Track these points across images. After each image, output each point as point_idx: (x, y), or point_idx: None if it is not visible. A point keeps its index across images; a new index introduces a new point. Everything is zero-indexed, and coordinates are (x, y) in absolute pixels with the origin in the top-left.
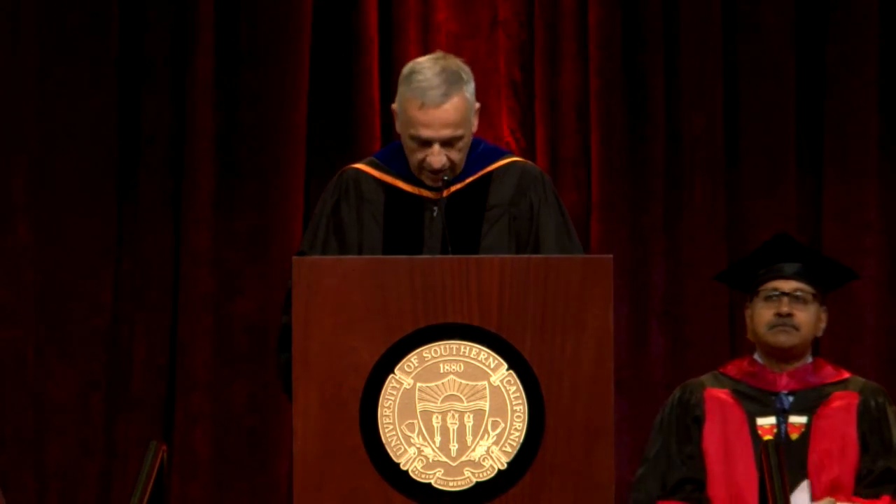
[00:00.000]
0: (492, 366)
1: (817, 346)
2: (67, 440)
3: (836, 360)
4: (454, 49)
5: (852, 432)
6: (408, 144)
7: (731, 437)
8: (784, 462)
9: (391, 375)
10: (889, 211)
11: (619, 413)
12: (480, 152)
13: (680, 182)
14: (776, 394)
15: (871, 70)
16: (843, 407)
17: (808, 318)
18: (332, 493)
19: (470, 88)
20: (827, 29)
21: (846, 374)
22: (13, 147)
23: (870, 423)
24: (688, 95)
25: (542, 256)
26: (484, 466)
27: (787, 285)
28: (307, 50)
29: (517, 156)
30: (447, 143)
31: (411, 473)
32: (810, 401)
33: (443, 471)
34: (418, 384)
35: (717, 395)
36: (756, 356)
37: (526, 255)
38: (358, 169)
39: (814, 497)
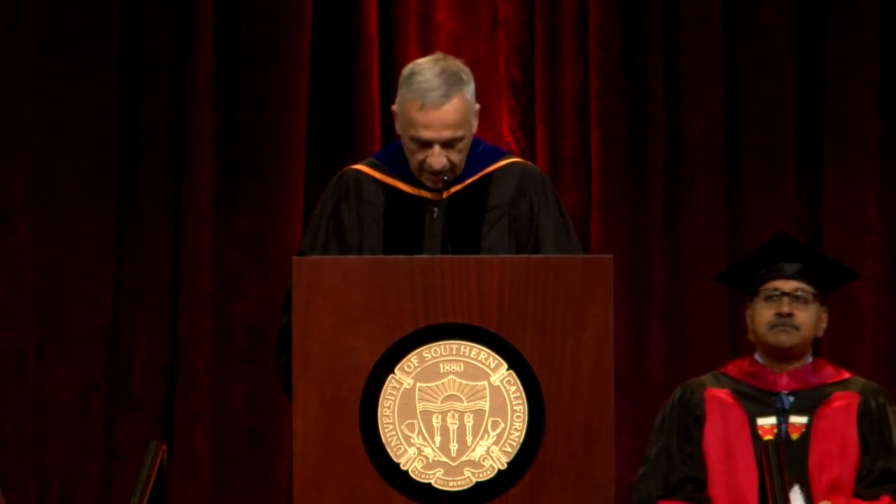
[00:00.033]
0: (492, 366)
1: (818, 347)
2: (67, 440)
3: (836, 360)
4: (454, 49)
5: (853, 432)
6: (408, 146)
7: (731, 437)
8: (784, 462)
9: (391, 375)
10: (889, 211)
11: (619, 413)
12: (480, 153)
13: (680, 182)
14: (777, 394)
15: (871, 70)
16: (843, 407)
17: (808, 318)
18: (332, 493)
19: (470, 89)
20: (827, 29)
21: (846, 375)
22: (13, 147)
23: (870, 423)
24: (688, 95)
25: (542, 256)
26: (484, 466)
27: (788, 285)
28: (307, 50)
29: (517, 156)
30: (447, 145)
31: (411, 473)
32: (811, 401)
33: (443, 471)
34: (418, 384)
35: (718, 395)
36: (756, 356)
37: (526, 255)
38: (358, 170)
39: (813, 498)
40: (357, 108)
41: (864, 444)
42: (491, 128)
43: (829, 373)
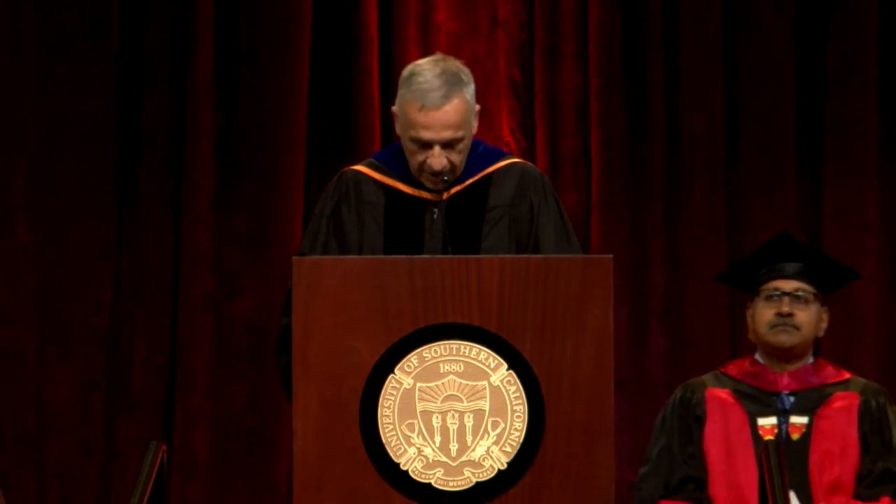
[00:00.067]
0: (492, 366)
1: (818, 347)
2: (67, 440)
3: (837, 360)
4: (454, 49)
5: (853, 433)
6: (408, 146)
7: (732, 437)
8: (784, 462)
9: (391, 375)
10: (889, 211)
11: (619, 413)
12: (480, 154)
13: (680, 182)
14: (777, 394)
15: (871, 70)
16: (843, 407)
17: (808, 318)
18: (332, 493)
19: (470, 90)
20: (827, 29)
21: (847, 375)
22: (13, 147)
23: (870, 423)
24: (688, 95)
25: (542, 256)
26: (484, 466)
27: (788, 285)
28: (307, 50)
29: (517, 157)
30: (447, 145)
31: (411, 473)
32: (811, 401)
33: (443, 471)
34: (418, 384)
35: (719, 395)
36: (757, 356)
37: (526, 256)
38: (358, 171)
39: (813, 499)
40: (357, 108)
41: (864, 444)
42: (491, 128)
43: (830, 373)
